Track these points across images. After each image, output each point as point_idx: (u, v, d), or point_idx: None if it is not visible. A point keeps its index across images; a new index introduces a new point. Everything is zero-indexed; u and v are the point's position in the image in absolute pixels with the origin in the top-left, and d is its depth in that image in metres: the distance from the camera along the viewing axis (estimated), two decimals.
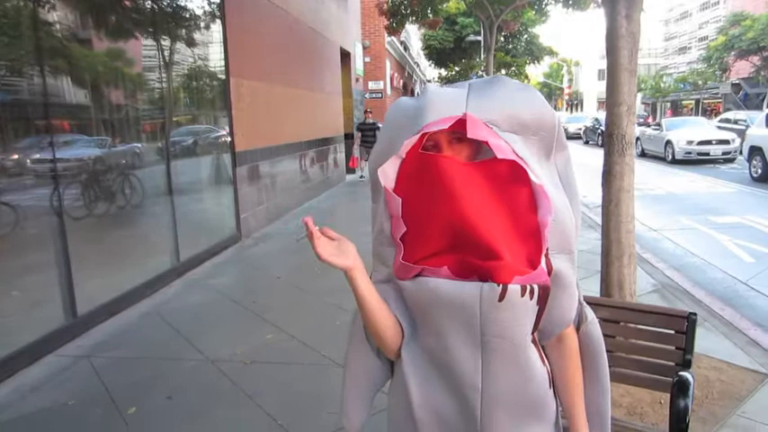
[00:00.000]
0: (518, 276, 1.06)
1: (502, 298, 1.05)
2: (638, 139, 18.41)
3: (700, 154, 15.87)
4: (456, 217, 1.06)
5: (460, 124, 1.07)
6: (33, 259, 4.04)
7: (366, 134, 13.03)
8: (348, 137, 13.65)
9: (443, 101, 1.10)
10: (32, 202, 4.05)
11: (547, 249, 1.10)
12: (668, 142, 16.73)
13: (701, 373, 3.22)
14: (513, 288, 1.05)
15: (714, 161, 15.93)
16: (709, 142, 16.05)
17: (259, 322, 4.37)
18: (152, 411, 3.10)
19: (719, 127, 18.17)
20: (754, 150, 12.36)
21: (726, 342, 3.79)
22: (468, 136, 1.06)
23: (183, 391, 3.33)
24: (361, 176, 13.33)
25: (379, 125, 12.70)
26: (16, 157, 3.96)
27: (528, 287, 1.06)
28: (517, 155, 1.07)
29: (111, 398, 3.25)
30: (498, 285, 1.05)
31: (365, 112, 13.60)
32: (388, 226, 1.15)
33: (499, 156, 1.05)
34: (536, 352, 1.18)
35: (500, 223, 1.07)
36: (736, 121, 18.35)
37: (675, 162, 16.16)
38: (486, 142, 1.06)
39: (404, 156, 1.11)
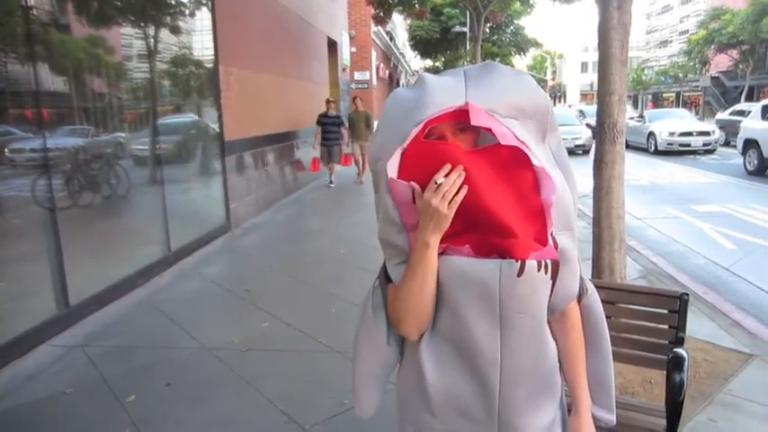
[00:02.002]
0: (533, 252, 1.10)
1: (521, 273, 1.09)
2: None
3: (681, 145, 16.16)
4: (470, 200, 1.09)
5: (462, 114, 1.10)
6: (23, 250, 4.01)
7: (328, 129, 10.60)
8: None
9: (442, 92, 1.12)
10: (19, 192, 4.01)
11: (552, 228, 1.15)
12: (651, 133, 16.98)
13: None
14: (531, 263, 1.09)
15: (695, 152, 16.20)
16: (690, 134, 16.35)
17: (254, 311, 4.39)
18: (152, 399, 3.12)
19: (732, 120, 17.70)
20: (749, 143, 12.08)
21: (710, 324, 3.91)
22: (472, 123, 1.09)
23: (182, 378, 3.35)
24: (330, 183, 10.96)
25: (344, 119, 11.07)
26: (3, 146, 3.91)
27: (543, 262, 1.11)
28: (519, 140, 1.10)
29: (108, 386, 3.26)
30: (517, 261, 1.09)
31: (327, 102, 10.83)
32: (396, 214, 1.17)
33: (503, 142, 1.08)
34: (548, 327, 1.23)
35: (508, 205, 1.11)
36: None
37: (658, 153, 16.41)
38: (490, 129, 1.09)
39: (405, 147, 1.12)
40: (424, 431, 1.27)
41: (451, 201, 1.08)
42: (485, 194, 1.09)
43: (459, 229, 1.13)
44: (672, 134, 16.33)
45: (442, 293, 1.17)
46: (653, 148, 16.76)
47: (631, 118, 19.78)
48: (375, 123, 1.38)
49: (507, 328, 1.15)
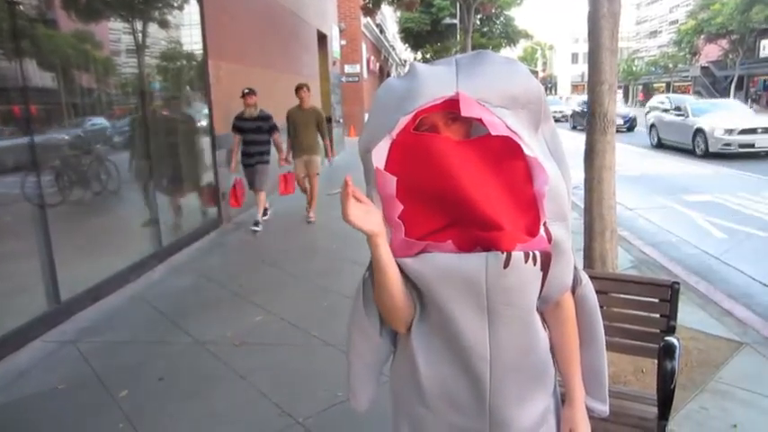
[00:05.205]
0: (520, 244, 1.09)
1: (507, 265, 1.08)
2: (653, 125, 16.08)
3: (742, 146, 12.34)
4: (454, 194, 1.09)
5: (453, 103, 1.09)
6: (13, 246, 3.97)
7: (250, 138, 6.69)
8: (328, 121, 9.01)
9: (434, 81, 1.11)
10: (9, 189, 3.97)
11: (545, 219, 1.14)
12: (698, 131, 13.23)
13: None
14: (517, 255, 1.08)
15: (756, 155, 12.42)
16: (754, 131, 12.42)
17: (246, 305, 4.38)
18: (145, 393, 3.11)
19: None
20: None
21: (701, 313, 3.94)
22: (463, 114, 1.08)
23: (175, 372, 3.34)
24: (256, 226, 6.71)
25: (275, 122, 6.91)
26: None
27: (530, 253, 1.10)
28: (511, 129, 1.09)
29: (101, 381, 3.25)
30: (502, 253, 1.08)
31: (245, 95, 6.62)
32: (380, 207, 1.16)
33: (493, 132, 1.07)
34: (538, 319, 1.23)
35: (498, 197, 1.10)
36: None
37: (708, 156, 12.75)
38: (481, 120, 1.08)
39: (395, 137, 1.11)
40: (419, 424, 1.27)
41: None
42: (469, 188, 1.08)
43: (443, 225, 1.13)
44: (730, 132, 12.37)
45: (427, 290, 1.17)
46: (702, 149, 13.00)
47: (666, 110, 15.89)
48: (364, 122, 1.27)
49: (495, 320, 1.15)
